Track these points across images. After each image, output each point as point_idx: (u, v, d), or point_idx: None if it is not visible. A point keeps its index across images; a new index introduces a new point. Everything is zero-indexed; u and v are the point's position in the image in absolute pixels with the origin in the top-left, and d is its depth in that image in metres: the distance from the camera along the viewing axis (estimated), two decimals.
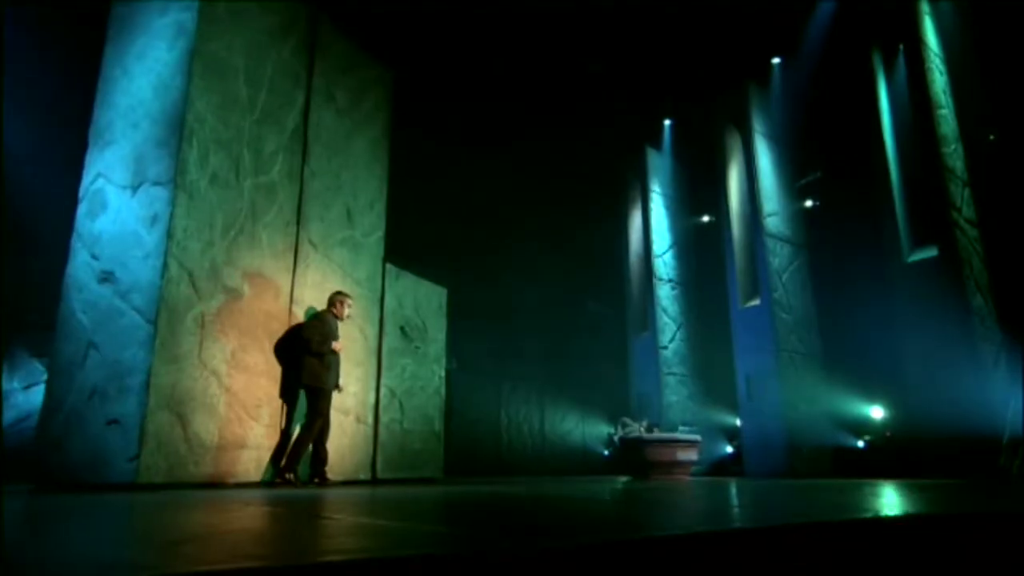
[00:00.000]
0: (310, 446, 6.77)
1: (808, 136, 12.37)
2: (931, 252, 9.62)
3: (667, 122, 14.92)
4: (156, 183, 6.27)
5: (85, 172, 6.76)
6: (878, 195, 10.46)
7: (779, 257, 11.80)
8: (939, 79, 10.12)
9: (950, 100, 10.17)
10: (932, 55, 10.18)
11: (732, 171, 12.85)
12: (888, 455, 10.27)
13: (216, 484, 6.01)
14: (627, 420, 11.96)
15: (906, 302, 9.76)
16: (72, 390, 5.99)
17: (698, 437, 11.19)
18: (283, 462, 6.57)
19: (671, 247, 14.59)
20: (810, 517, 2.89)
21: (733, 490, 6.16)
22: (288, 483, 6.41)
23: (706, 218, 14.90)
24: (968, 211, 9.72)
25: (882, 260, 10.28)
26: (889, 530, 2.74)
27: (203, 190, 6.43)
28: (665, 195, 14.84)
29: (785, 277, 11.77)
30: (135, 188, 6.38)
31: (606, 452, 14.72)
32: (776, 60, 12.60)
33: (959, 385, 8.59)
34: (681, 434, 11.76)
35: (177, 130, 6.33)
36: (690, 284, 14.57)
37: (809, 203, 12.76)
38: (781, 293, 11.58)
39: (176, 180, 6.18)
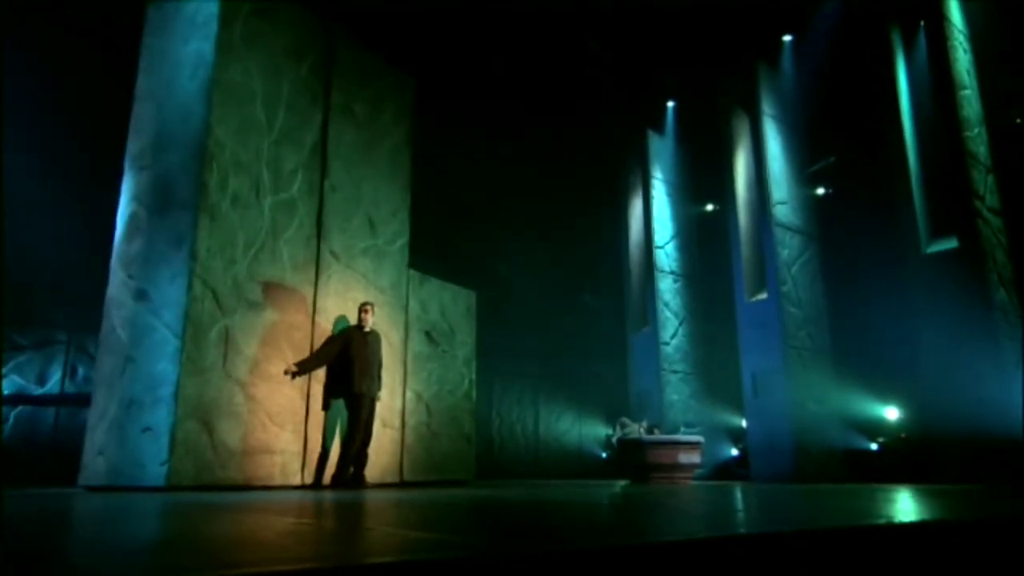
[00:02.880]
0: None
1: (821, 119, 12.29)
2: (951, 243, 9.55)
3: (670, 104, 14.82)
4: (181, 207, 7.10)
5: (121, 197, 7.63)
6: (895, 182, 10.39)
7: (788, 248, 11.75)
8: (962, 58, 10.04)
9: (974, 80, 10.10)
10: (955, 32, 10.10)
11: (739, 156, 12.77)
12: (903, 458, 10.26)
13: (241, 487, 6.79)
14: (626, 420, 11.93)
15: (924, 296, 9.70)
16: (113, 400, 6.89)
17: (701, 439, 11.17)
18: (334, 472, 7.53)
19: (673, 237, 14.53)
20: (818, 523, 2.86)
21: (738, 494, 6.15)
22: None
23: (711, 206, 14.84)
24: (992, 199, 9.67)
25: (898, 251, 10.21)
26: (903, 537, 2.71)
27: (224, 211, 7.22)
28: (668, 182, 14.77)
29: (794, 269, 11.72)
30: (163, 212, 7.24)
31: (604, 454, 14.68)
32: (787, 38, 12.51)
33: (979, 384, 8.54)
34: (683, 435, 11.75)
35: (199, 156, 7.14)
36: (693, 277, 14.52)
37: (821, 191, 12.70)
38: (790, 286, 11.53)
39: (198, 203, 6.99)
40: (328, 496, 5.70)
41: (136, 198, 7.49)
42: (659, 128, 14.90)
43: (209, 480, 6.56)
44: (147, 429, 6.55)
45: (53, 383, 9.43)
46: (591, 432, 14.99)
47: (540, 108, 13.15)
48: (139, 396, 6.72)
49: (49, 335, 9.40)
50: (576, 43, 12.10)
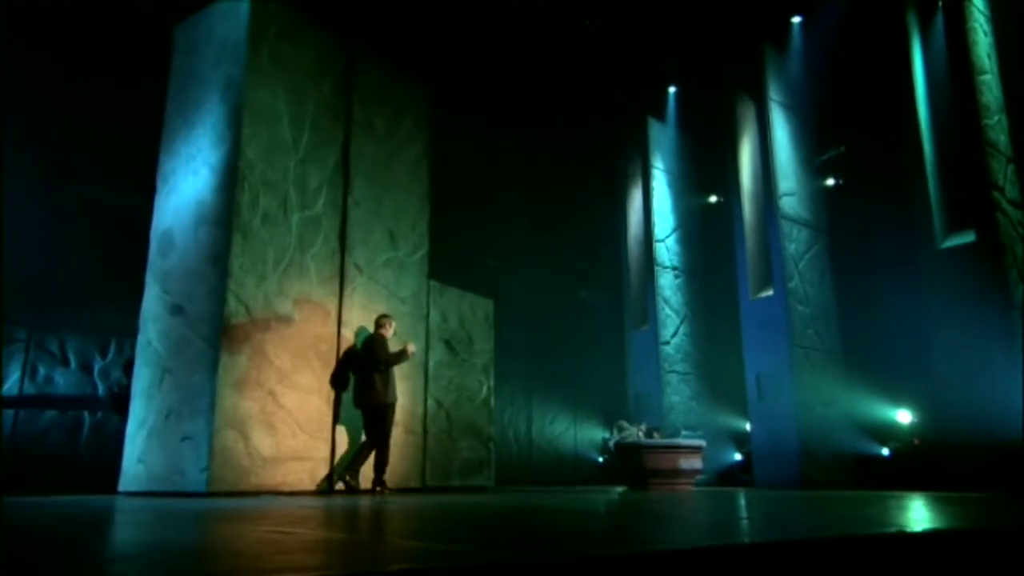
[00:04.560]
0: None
1: (831, 106, 12.27)
2: (968, 237, 9.55)
3: (672, 89, 14.78)
4: (215, 225, 7.88)
5: (154, 214, 8.48)
6: (909, 173, 10.39)
7: (796, 242, 11.74)
8: (983, 40, 10.01)
9: (995, 64, 10.06)
10: (976, 12, 10.06)
11: (744, 145, 12.76)
12: (915, 464, 10.25)
13: (274, 492, 7.50)
14: (624, 423, 11.90)
15: (939, 293, 9.70)
16: (152, 410, 7.72)
17: (703, 443, 11.16)
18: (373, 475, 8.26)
19: (675, 231, 14.51)
20: (826, 532, 2.85)
21: (741, 501, 6.15)
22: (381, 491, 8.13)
23: (714, 198, 14.83)
24: (1012, 191, 9.64)
25: (912, 246, 10.22)
26: (916, 547, 2.71)
27: (256, 229, 8.01)
28: (669, 172, 14.75)
29: (802, 265, 11.72)
30: (197, 230, 8.01)
31: (600, 459, 14.67)
32: (796, 19, 12.47)
33: (997, 386, 8.54)
34: (684, 439, 11.74)
35: (231, 177, 7.90)
36: (695, 272, 14.51)
37: (831, 181, 12.69)
38: (797, 283, 11.53)
39: (232, 222, 7.75)
40: (349, 503, 6.06)
41: (169, 215, 8.35)
42: (660, 115, 14.87)
43: (245, 486, 7.32)
44: (186, 438, 7.32)
45: (12, 383, 9.34)
46: (587, 436, 14.96)
47: (534, 94, 13.07)
48: (177, 406, 7.52)
49: (7, 332, 9.31)
50: (572, 25, 12.04)
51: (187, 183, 8.31)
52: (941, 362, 9.50)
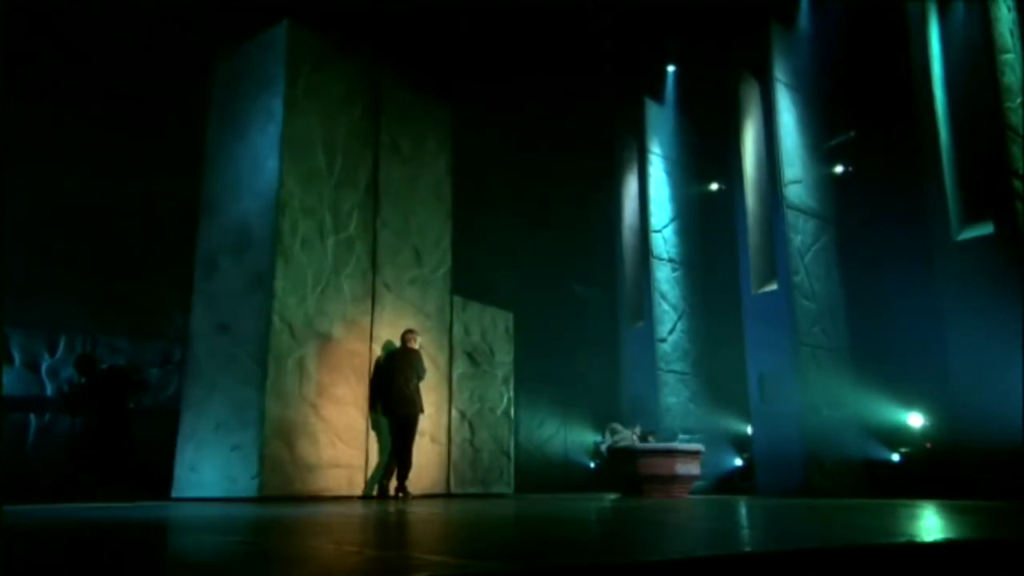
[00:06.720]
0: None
1: (841, 88, 12.30)
2: (986, 228, 9.59)
3: (671, 68, 14.79)
4: (258, 249, 8.98)
5: (199, 238, 9.62)
6: (923, 159, 10.40)
7: (802, 233, 11.76)
8: (1006, 16, 9.99)
9: (1018, 43, 10.04)
10: None
11: (748, 129, 12.78)
12: (928, 471, 10.30)
13: (316, 498, 8.59)
14: (617, 426, 11.93)
15: (953, 288, 9.73)
16: (201, 423, 8.83)
17: (701, 447, 11.20)
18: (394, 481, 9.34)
19: (672, 220, 14.55)
20: (831, 541, 2.84)
21: (742, 510, 6.17)
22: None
23: (715, 186, 14.84)
24: None
25: (926, 237, 10.23)
26: (927, 558, 2.70)
27: (296, 253, 9.08)
28: (667, 157, 14.76)
29: (808, 257, 11.75)
30: (241, 253, 9.14)
31: (591, 464, 14.69)
32: None
33: (1015, 388, 8.56)
34: (681, 443, 11.77)
35: (272, 204, 8.95)
36: (694, 265, 14.55)
37: (839, 168, 12.73)
38: (803, 276, 11.55)
39: (274, 248, 8.82)
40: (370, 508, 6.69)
41: (213, 239, 9.48)
42: (658, 96, 14.89)
43: (291, 491, 8.41)
44: (236, 447, 8.39)
45: None
46: (578, 439, 14.97)
47: (524, 77, 13.00)
48: (226, 419, 8.61)
49: None
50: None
51: (230, 209, 9.38)
52: (955, 362, 9.52)
